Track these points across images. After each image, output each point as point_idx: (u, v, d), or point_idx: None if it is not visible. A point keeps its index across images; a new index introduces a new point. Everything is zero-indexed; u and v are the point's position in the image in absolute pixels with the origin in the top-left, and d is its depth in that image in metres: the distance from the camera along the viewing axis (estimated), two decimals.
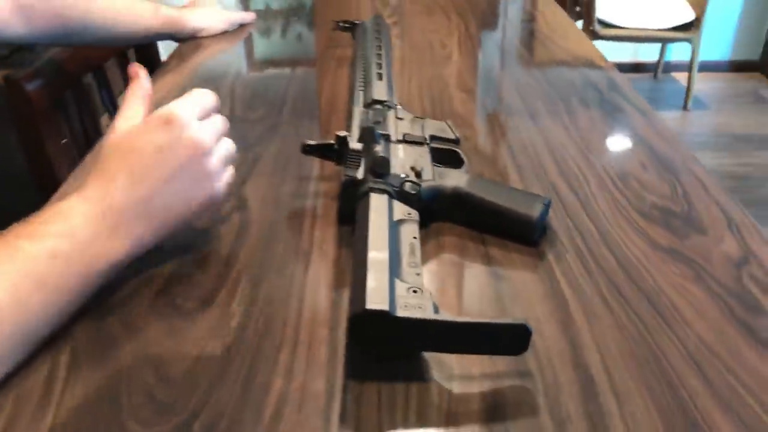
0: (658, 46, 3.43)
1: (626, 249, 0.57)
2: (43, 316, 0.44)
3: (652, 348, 0.46)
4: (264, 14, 1.30)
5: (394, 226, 0.52)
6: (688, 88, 3.11)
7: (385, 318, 0.41)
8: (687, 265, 0.55)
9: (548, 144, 0.75)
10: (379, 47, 0.93)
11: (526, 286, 0.53)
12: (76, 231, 0.46)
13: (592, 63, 1.03)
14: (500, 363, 0.45)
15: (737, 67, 3.59)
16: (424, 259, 0.55)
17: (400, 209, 0.54)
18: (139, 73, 0.56)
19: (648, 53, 3.49)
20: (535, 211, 0.57)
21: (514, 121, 0.83)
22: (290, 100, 0.90)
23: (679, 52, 3.46)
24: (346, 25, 1.11)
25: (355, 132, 0.66)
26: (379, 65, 0.86)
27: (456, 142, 0.69)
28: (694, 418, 0.41)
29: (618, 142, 0.77)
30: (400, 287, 0.44)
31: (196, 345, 0.46)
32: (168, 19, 1.09)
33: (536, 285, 0.53)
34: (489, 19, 1.28)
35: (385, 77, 0.82)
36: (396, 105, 0.75)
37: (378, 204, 0.54)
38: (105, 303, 0.50)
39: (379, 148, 0.62)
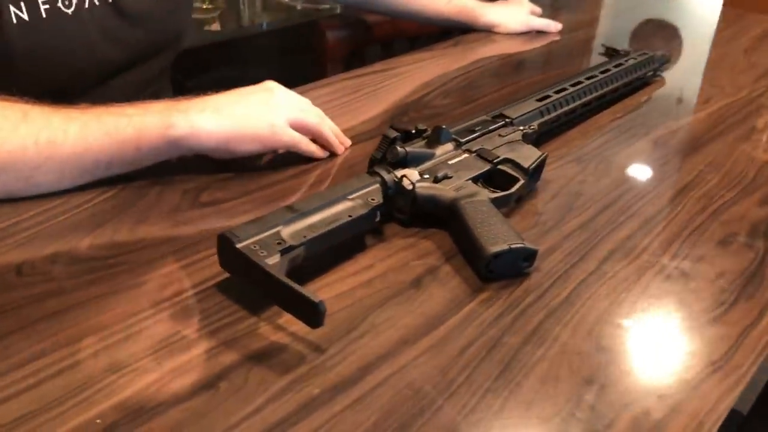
0: None
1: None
2: (96, 155, 0.61)
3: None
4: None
5: (341, 200, 0.59)
6: None
7: (229, 245, 0.51)
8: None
9: (645, 217, 0.68)
10: (591, 77, 0.92)
11: (432, 301, 0.55)
12: (149, 105, 0.64)
13: None
14: (313, 332, 0.50)
15: None
16: (374, 246, 0.61)
17: (366, 194, 0.60)
18: None
19: None
20: (493, 248, 0.56)
21: (632, 182, 0.75)
22: (484, 100, 0.95)
23: None
24: (611, 52, 1.08)
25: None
26: (559, 91, 0.86)
27: (525, 171, 0.69)
28: None
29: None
30: (273, 234, 0.53)
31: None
32: (462, 9, 1.20)
33: (442, 303, 0.55)
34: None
35: (547, 100, 0.83)
36: (526, 127, 0.77)
37: (354, 181, 0.61)
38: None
39: (442, 148, 0.68)
